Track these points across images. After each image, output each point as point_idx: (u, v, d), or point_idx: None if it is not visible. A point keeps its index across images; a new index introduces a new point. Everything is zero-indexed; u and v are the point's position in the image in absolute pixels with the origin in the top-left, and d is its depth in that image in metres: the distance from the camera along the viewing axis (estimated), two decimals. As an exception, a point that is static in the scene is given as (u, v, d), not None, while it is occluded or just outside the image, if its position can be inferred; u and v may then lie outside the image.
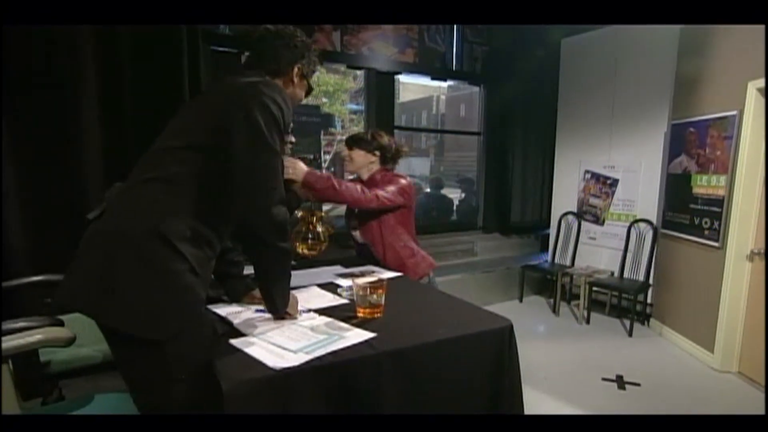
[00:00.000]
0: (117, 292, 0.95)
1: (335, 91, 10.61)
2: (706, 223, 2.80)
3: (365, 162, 2.00)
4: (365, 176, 2.02)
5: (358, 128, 11.15)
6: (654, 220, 3.39)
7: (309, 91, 1.37)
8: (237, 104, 1.07)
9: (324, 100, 10.43)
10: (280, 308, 1.20)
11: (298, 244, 2.08)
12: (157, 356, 0.96)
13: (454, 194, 5.72)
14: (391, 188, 1.91)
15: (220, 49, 2.89)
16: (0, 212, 2.08)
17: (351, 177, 2.16)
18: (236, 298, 1.40)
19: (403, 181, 1.97)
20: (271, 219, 1.07)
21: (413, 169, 9.44)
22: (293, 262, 1.94)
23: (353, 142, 2.02)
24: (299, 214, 2.06)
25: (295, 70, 1.27)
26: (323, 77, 10.54)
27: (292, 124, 1.33)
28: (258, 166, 1.06)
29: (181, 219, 1.01)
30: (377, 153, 2.00)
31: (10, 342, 1.19)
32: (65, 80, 2.24)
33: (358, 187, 1.83)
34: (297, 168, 1.63)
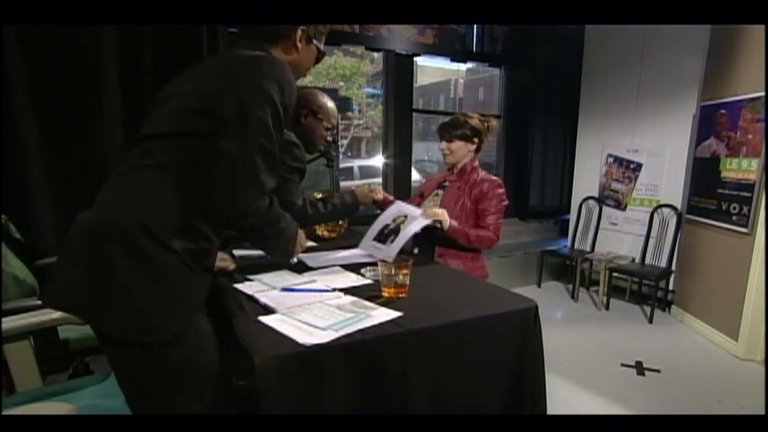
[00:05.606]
0: (108, 292, 0.87)
1: (352, 75, 10.53)
2: (734, 208, 2.73)
3: (465, 152, 1.91)
4: (458, 167, 1.94)
5: (375, 112, 11.00)
6: (678, 206, 3.32)
7: (320, 56, 1.20)
8: (233, 87, 0.95)
9: (341, 83, 10.37)
10: (286, 259, 1.27)
11: (318, 226, 2.06)
12: (154, 362, 0.91)
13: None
14: (499, 207, 1.84)
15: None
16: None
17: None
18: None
19: (500, 191, 1.86)
20: (247, 214, 0.99)
21: (432, 153, 9.35)
22: (313, 243, 1.96)
23: (452, 133, 1.89)
24: (318, 195, 1.90)
25: (299, 33, 1.11)
26: (340, 60, 10.47)
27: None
28: (246, 156, 0.95)
29: (172, 211, 0.93)
30: (475, 140, 1.91)
31: (31, 319, 1.23)
32: (85, 54, 2.22)
33: (483, 233, 1.81)
34: (445, 218, 1.73)
